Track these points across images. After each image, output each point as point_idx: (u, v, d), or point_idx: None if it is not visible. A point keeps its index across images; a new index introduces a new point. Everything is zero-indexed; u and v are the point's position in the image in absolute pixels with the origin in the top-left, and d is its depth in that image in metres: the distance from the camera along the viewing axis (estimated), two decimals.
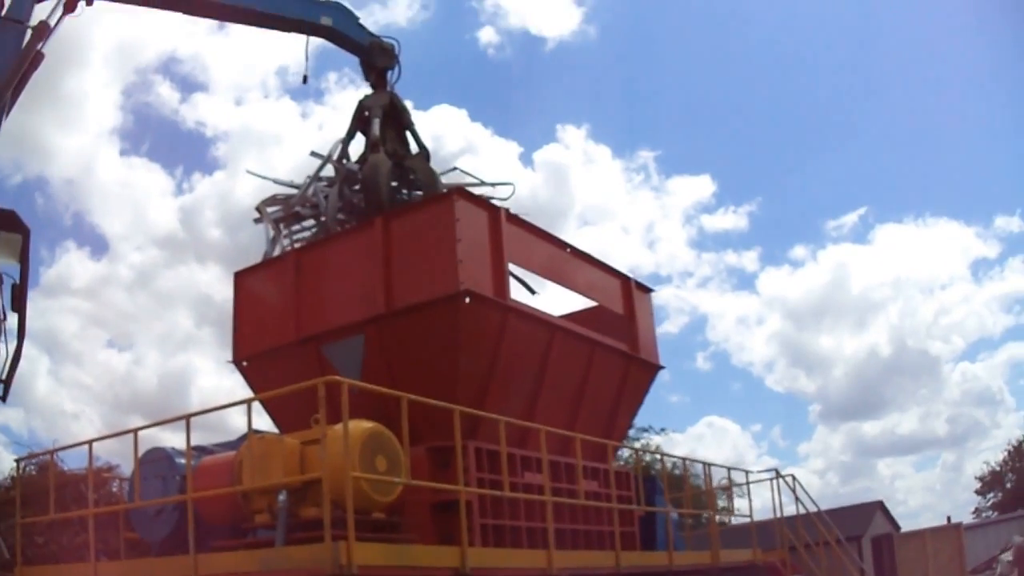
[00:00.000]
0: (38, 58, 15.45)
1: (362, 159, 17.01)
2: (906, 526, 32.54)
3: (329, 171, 17.29)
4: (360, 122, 17.58)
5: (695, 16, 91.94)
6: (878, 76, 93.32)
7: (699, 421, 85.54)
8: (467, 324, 13.26)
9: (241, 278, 15.99)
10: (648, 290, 18.53)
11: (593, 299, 17.29)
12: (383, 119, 17.29)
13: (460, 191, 14.60)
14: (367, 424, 10.34)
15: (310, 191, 17.06)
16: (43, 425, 65.84)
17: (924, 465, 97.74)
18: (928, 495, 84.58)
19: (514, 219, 15.17)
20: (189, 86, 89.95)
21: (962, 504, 63.56)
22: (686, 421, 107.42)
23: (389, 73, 18.12)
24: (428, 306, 13.37)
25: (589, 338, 16.06)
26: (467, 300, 13.12)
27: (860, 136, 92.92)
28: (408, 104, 17.95)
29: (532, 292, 17.38)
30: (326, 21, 17.75)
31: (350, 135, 17.57)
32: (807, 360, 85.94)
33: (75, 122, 72.13)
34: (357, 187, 16.91)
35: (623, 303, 17.47)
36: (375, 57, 17.96)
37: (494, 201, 17.43)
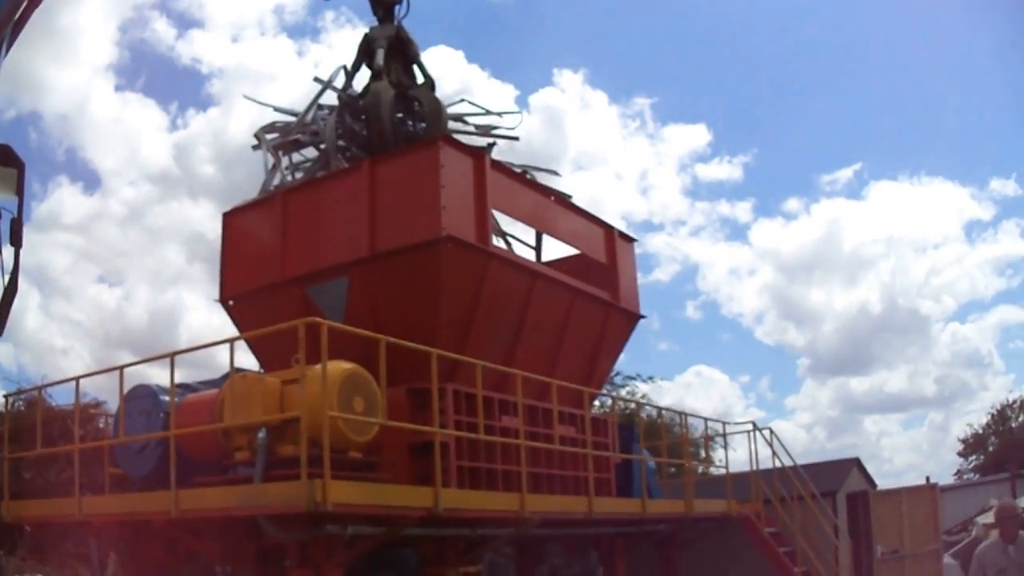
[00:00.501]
0: None
1: (366, 89, 17.07)
2: (891, 484, 32.90)
3: (330, 99, 17.38)
4: (365, 55, 17.61)
5: None
6: (879, 31, 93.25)
7: (687, 370, 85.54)
8: (448, 269, 13.42)
9: (229, 218, 16.12)
10: (631, 240, 18.63)
11: (576, 247, 17.41)
12: (388, 50, 17.32)
13: (445, 137, 14.74)
14: (346, 365, 10.48)
15: (309, 117, 17.15)
16: (32, 360, 65.96)
17: (911, 424, 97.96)
18: (914, 454, 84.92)
19: (499, 166, 15.31)
20: (185, 22, 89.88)
21: (947, 465, 63.86)
22: (674, 369, 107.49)
23: (396, 8, 18.00)
24: (411, 250, 13.54)
25: (570, 286, 16.21)
26: (449, 245, 13.29)
27: (858, 91, 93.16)
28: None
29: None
30: None
31: (355, 67, 17.64)
32: (797, 313, 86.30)
33: (70, 57, 72.04)
34: (361, 116, 16.95)
35: (606, 252, 17.56)
36: None
37: (501, 130, 17.63)
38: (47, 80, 69.72)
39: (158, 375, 11.91)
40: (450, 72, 69.55)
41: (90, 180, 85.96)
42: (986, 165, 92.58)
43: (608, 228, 17.79)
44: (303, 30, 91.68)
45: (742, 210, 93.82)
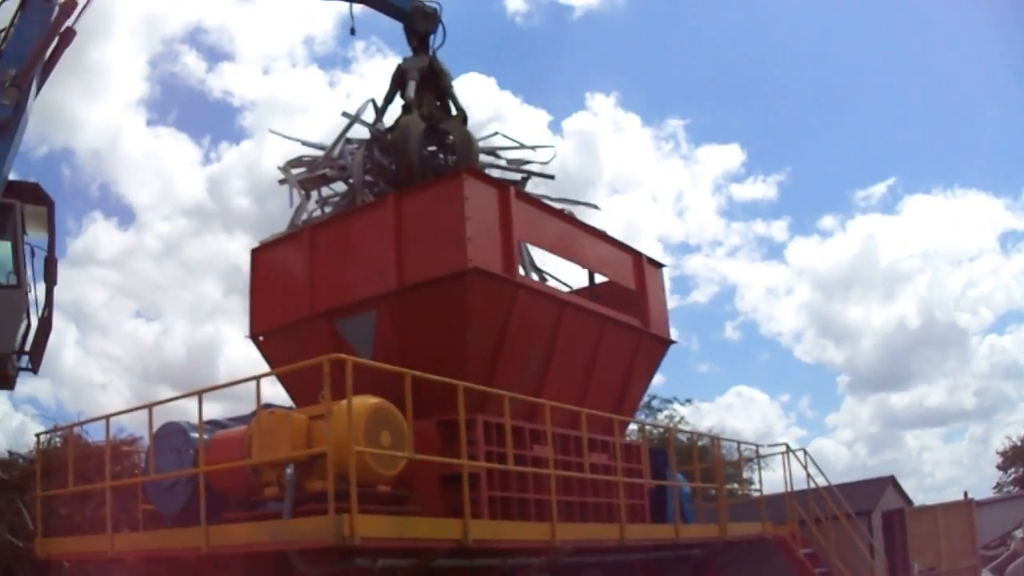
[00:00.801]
0: (69, 35, 15.70)
1: (395, 123, 17.08)
2: (933, 498, 32.68)
3: (358, 133, 17.40)
4: (398, 86, 17.61)
5: None
6: (910, 45, 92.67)
7: (728, 391, 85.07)
8: (475, 301, 13.47)
9: (258, 254, 16.24)
10: (660, 265, 18.63)
11: (604, 274, 17.45)
12: (420, 82, 17.32)
13: (470, 169, 14.79)
14: (372, 400, 10.56)
15: (336, 152, 17.16)
16: (71, 396, 66.07)
17: (952, 438, 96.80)
18: (955, 468, 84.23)
19: (524, 197, 15.37)
20: (216, 56, 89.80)
21: (988, 478, 63.06)
22: (715, 391, 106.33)
23: (431, 37, 18.03)
24: (437, 283, 13.59)
25: (599, 313, 16.24)
26: (475, 277, 13.33)
27: (890, 106, 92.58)
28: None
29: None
30: None
31: (388, 99, 17.68)
32: (836, 331, 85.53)
33: (101, 93, 72.18)
34: (389, 150, 16.94)
35: (635, 279, 17.58)
36: (417, 22, 17.87)
37: (534, 165, 17.62)
38: (79, 116, 70.04)
39: (195, 410, 12.10)
40: (482, 99, 69.69)
41: (124, 215, 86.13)
42: (1020, 175, 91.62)
43: (636, 255, 17.80)
44: (334, 61, 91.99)
45: (778, 229, 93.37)
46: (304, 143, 17.85)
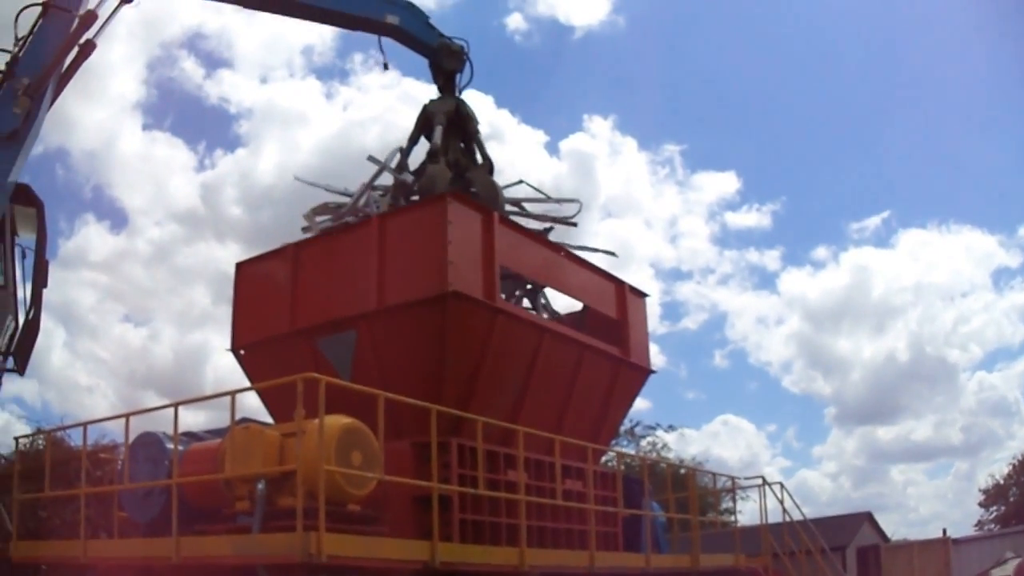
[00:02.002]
0: (89, 48, 15.73)
1: (421, 168, 17.17)
2: (916, 534, 32.76)
3: (385, 179, 17.42)
4: (423, 128, 17.67)
5: (725, 10, 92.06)
6: (908, 80, 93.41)
7: (714, 419, 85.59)
8: (454, 324, 13.55)
9: (242, 268, 16.35)
10: (643, 295, 18.74)
11: (585, 302, 17.55)
12: (447, 127, 17.43)
13: (454, 193, 14.89)
14: (344, 420, 10.61)
15: (363, 200, 17.21)
16: (57, 398, 66.39)
17: (937, 473, 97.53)
18: (939, 503, 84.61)
19: (508, 223, 15.48)
20: (214, 62, 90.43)
21: (972, 514, 63.49)
22: (701, 419, 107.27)
23: (458, 76, 18.19)
24: (418, 305, 13.71)
25: (578, 341, 16.33)
26: (455, 300, 13.43)
27: (886, 139, 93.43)
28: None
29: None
30: (392, 20, 17.69)
31: (412, 141, 17.71)
32: (825, 362, 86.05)
33: (98, 95, 72.38)
34: (413, 198, 16.97)
35: (616, 307, 17.67)
36: (443, 59, 17.99)
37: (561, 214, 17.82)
38: (75, 117, 70.24)
39: (185, 417, 12.18)
40: (480, 117, 69.64)
41: (117, 218, 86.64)
42: (1015, 213, 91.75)
43: (619, 283, 17.90)
44: (331, 72, 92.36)
45: (771, 258, 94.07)
46: (328, 189, 17.94)
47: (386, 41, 18.08)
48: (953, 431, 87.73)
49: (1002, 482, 62.10)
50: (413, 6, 18.01)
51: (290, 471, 10.10)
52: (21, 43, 15.17)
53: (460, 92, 18.16)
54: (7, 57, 15.09)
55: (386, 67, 18.99)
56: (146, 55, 78.87)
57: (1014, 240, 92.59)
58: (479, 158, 17.78)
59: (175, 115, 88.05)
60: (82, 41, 15.58)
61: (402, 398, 11.47)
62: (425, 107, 17.86)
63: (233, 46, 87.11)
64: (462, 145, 17.78)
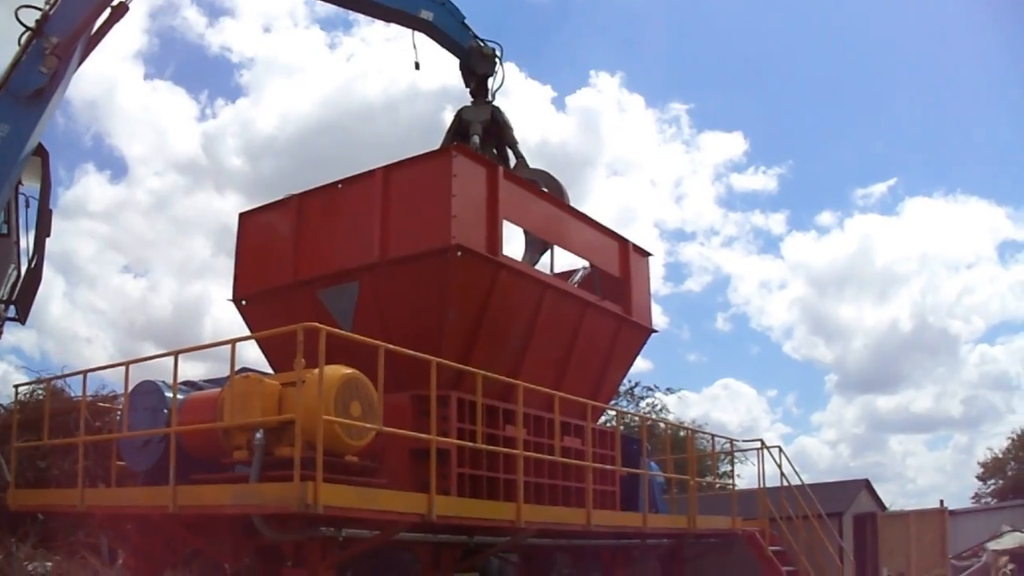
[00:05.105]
0: (121, 10, 15.63)
1: None
2: (913, 505, 32.67)
3: None
4: (457, 135, 17.57)
5: None
6: (921, 47, 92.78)
7: (715, 382, 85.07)
8: (457, 277, 13.52)
9: (245, 218, 16.29)
10: (646, 254, 18.68)
11: (588, 260, 17.47)
12: (483, 135, 17.40)
13: (459, 147, 14.85)
14: (345, 370, 10.58)
15: None
16: (56, 348, 66.31)
17: (936, 445, 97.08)
18: (937, 475, 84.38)
19: (513, 177, 15.41)
20: (216, 11, 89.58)
21: (969, 487, 63.42)
22: (702, 381, 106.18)
23: (490, 80, 18.15)
24: (420, 258, 13.66)
25: (580, 298, 16.34)
26: (458, 254, 13.37)
27: (896, 106, 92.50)
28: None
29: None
30: (426, 15, 17.63)
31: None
32: (827, 329, 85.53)
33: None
34: None
35: (619, 265, 17.61)
36: (475, 62, 17.95)
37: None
38: None
39: (185, 368, 12.09)
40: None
41: (117, 168, 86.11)
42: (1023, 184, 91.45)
43: (623, 241, 17.82)
44: (335, 22, 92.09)
45: (776, 222, 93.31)
46: None
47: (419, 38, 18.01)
48: (953, 403, 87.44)
49: (1001, 456, 62.06)
50: (449, 2, 17.93)
51: (288, 421, 10.06)
52: (53, 2, 15.07)
53: (493, 97, 18.09)
54: (38, 15, 15.01)
55: (417, 66, 18.52)
56: (148, 3, 78.20)
57: (1022, 213, 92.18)
58: (513, 159, 17.75)
59: (176, 64, 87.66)
60: (115, 2, 15.49)
61: (403, 350, 11.39)
62: (460, 114, 17.84)
63: None
64: (495, 151, 17.74)
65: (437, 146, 17.08)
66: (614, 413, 21.01)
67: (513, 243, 15.84)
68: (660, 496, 18.60)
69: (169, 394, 12.10)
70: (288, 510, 9.61)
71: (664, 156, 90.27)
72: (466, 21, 18.03)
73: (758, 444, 20.08)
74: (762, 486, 19.82)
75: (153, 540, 13.11)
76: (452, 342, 13.55)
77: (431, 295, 13.61)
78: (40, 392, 20.43)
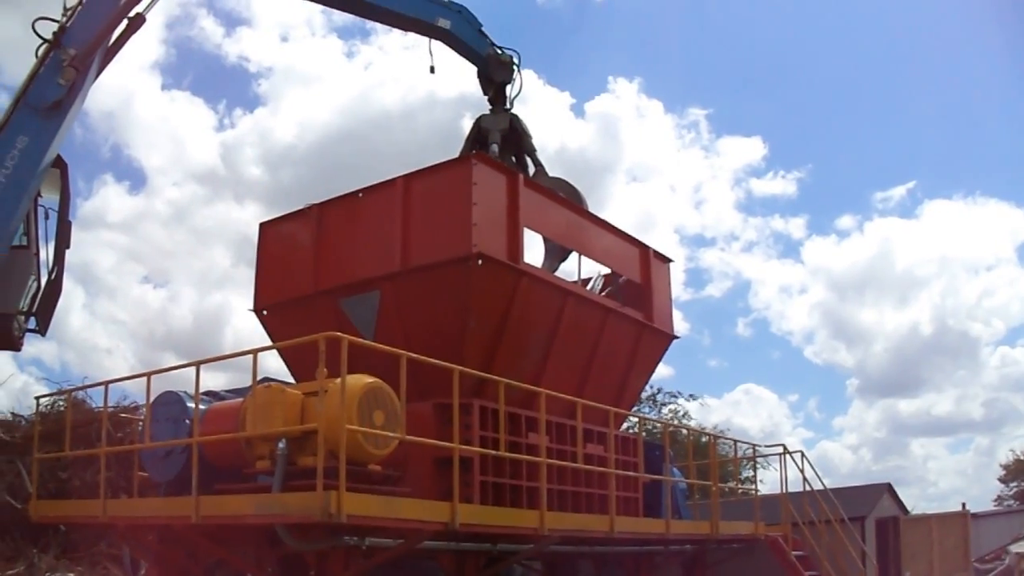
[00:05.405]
0: (138, 21, 15.70)
1: None
2: (935, 509, 32.62)
3: None
4: (476, 143, 17.57)
5: None
6: (939, 49, 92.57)
7: (736, 388, 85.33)
8: (478, 286, 13.50)
9: (265, 228, 16.30)
10: (667, 260, 18.62)
11: (609, 266, 17.43)
12: (502, 144, 17.40)
13: (479, 154, 14.85)
14: (367, 379, 10.56)
15: None
16: (76, 359, 66.53)
17: (957, 448, 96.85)
18: (959, 479, 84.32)
19: (533, 185, 15.40)
20: (233, 21, 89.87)
21: (991, 490, 63.21)
22: (723, 387, 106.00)
23: (508, 88, 18.13)
24: (441, 266, 13.63)
25: (602, 305, 16.31)
26: (479, 262, 13.35)
27: (915, 108, 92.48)
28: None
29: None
30: (443, 24, 17.67)
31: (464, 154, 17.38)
32: (848, 333, 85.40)
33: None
34: None
35: (640, 272, 17.58)
36: (492, 70, 17.97)
37: None
38: None
39: (205, 378, 12.05)
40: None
41: (136, 179, 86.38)
42: None
43: (644, 248, 17.79)
44: (352, 31, 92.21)
45: (795, 226, 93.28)
46: None
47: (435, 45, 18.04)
48: (974, 406, 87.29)
49: (1023, 458, 61.84)
50: (466, 11, 17.95)
51: (311, 430, 10.05)
52: (70, 14, 15.12)
53: (511, 104, 18.07)
54: (55, 27, 15.05)
55: (432, 70, 18.56)
56: (164, 14, 78.61)
57: None
58: (531, 167, 17.72)
59: (194, 74, 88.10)
60: (132, 14, 15.54)
61: (425, 358, 11.36)
62: (478, 122, 17.84)
63: (252, 4, 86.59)
64: (514, 159, 17.73)
65: (456, 154, 17.02)
66: (636, 420, 20.93)
67: (532, 251, 15.81)
68: (683, 502, 18.54)
69: (191, 404, 12.07)
70: (311, 519, 9.55)
71: (683, 161, 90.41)
72: (483, 29, 18.03)
73: (780, 449, 20.08)
74: (784, 491, 19.79)
75: (175, 551, 13.07)
76: (474, 350, 13.53)
77: (452, 303, 13.59)
78: (61, 403, 20.48)
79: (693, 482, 19.41)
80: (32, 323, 16.47)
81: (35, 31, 14.90)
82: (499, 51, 17.97)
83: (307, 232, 15.41)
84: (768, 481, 37.32)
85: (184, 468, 11.78)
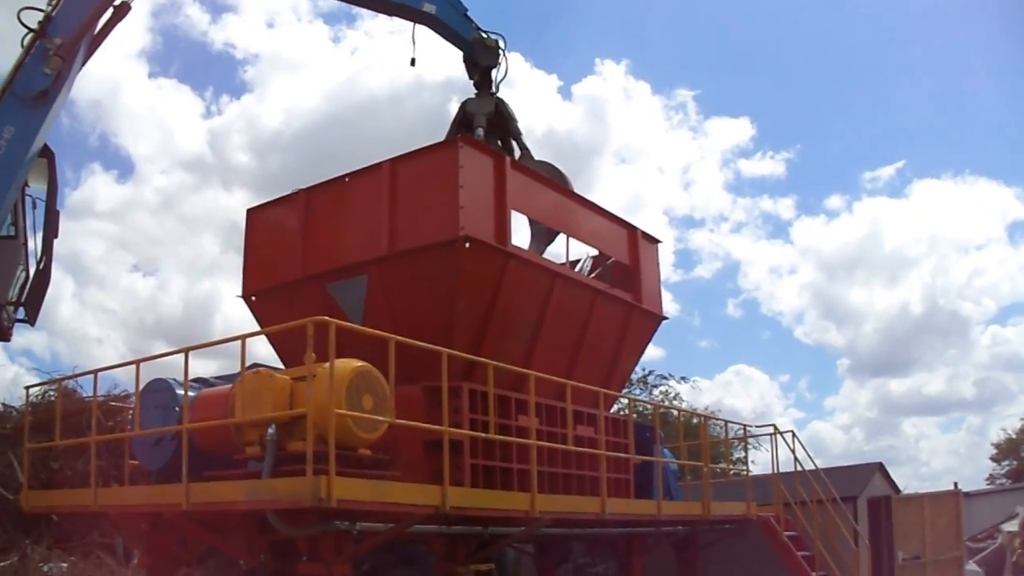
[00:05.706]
0: (123, 9, 15.66)
1: None
2: (927, 488, 32.56)
3: None
4: (461, 127, 17.52)
5: None
6: (927, 28, 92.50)
7: (727, 369, 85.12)
8: (466, 269, 13.47)
9: (253, 214, 16.28)
10: (655, 241, 18.60)
11: (598, 248, 17.44)
12: (487, 127, 17.38)
13: (465, 137, 14.83)
14: (356, 363, 10.55)
15: None
16: (67, 349, 66.49)
17: (949, 427, 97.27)
18: (951, 458, 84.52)
19: (520, 167, 15.37)
20: (218, 8, 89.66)
21: (983, 469, 63.44)
22: (714, 368, 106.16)
23: (494, 72, 18.09)
24: (429, 249, 13.61)
25: (590, 286, 16.31)
26: (467, 245, 13.32)
27: (903, 88, 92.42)
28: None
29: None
30: (428, 8, 17.58)
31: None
32: (838, 313, 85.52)
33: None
34: None
35: (628, 253, 17.56)
36: (478, 54, 17.88)
37: None
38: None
39: (195, 365, 12.11)
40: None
41: (123, 167, 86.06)
42: None
43: (632, 229, 17.76)
44: (338, 17, 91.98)
45: (784, 206, 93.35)
46: None
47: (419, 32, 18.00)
48: (966, 385, 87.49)
49: (1014, 437, 61.99)
50: None
51: (300, 415, 10.05)
52: (55, 3, 15.07)
53: (496, 88, 18.04)
54: (41, 16, 15.00)
55: (413, 62, 18.57)
56: (150, 2, 78.20)
57: None
58: (517, 151, 17.67)
59: (181, 62, 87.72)
60: (117, 2, 15.50)
61: (413, 342, 11.35)
62: (464, 106, 17.81)
63: None
64: (499, 143, 17.68)
65: (442, 138, 17.00)
66: (627, 401, 20.92)
67: (519, 234, 15.78)
68: (674, 483, 18.56)
69: (180, 392, 12.06)
70: (301, 505, 9.55)
71: (671, 143, 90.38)
72: (468, 13, 17.97)
73: (771, 429, 20.06)
74: (776, 471, 19.80)
75: (167, 538, 13.10)
76: (462, 333, 13.51)
77: (440, 287, 13.57)
78: (51, 393, 20.42)
79: (684, 463, 19.42)
80: (21, 313, 16.43)
81: (20, 20, 14.84)
82: (485, 35, 17.90)
83: (294, 218, 15.39)
84: (759, 462, 37.23)
85: (174, 455, 11.77)
